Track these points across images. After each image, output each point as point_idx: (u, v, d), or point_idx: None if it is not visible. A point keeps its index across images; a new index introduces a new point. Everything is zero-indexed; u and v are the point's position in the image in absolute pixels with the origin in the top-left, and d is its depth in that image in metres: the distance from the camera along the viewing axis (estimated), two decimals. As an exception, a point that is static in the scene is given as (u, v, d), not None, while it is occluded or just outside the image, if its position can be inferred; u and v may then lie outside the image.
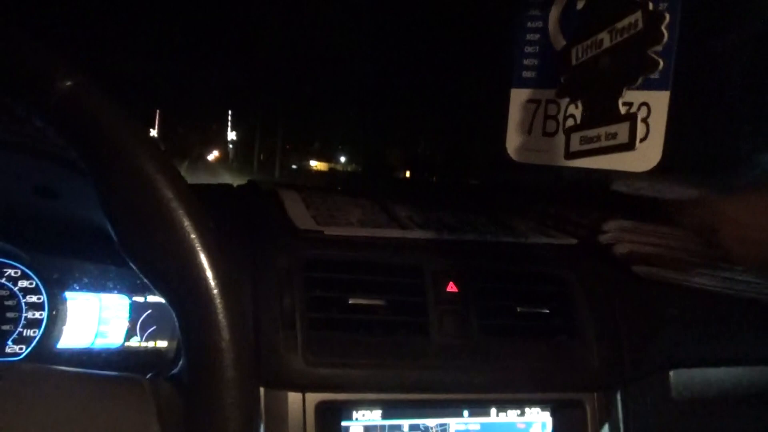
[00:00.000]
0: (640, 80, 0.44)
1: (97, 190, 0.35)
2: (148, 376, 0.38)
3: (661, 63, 0.42)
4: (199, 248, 0.34)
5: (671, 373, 0.71)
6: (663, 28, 0.41)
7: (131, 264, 0.36)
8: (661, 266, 0.76)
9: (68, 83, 0.33)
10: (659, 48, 0.42)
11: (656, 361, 0.71)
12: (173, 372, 0.38)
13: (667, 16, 0.42)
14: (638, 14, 0.44)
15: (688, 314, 0.75)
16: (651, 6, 0.43)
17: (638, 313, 0.72)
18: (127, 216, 0.35)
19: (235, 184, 0.93)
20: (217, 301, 0.34)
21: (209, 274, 0.34)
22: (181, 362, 0.37)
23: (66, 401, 0.33)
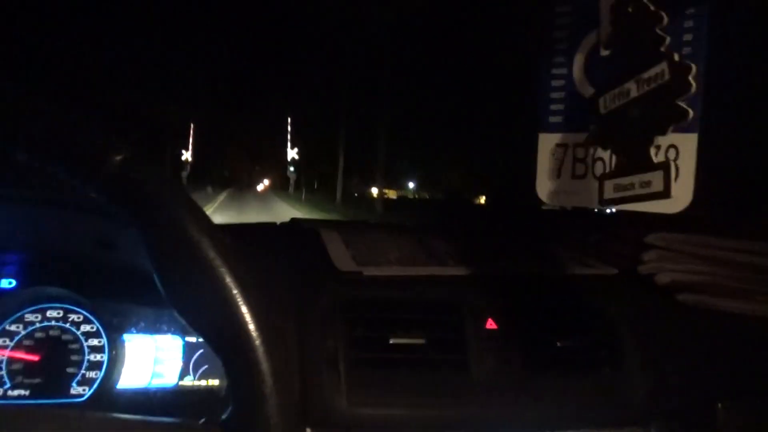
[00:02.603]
0: (670, 130, 0.44)
1: (147, 250, 0.38)
2: (201, 421, 0.41)
3: (691, 113, 0.43)
4: (241, 302, 0.37)
5: (719, 405, 0.70)
6: (690, 78, 0.42)
7: (180, 318, 0.39)
8: (707, 294, 0.75)
9: (118, 157, 0.37)
10: (687, 98, 0.43)
11: (704, 393, 0.69)
12: (224, 417, 0.41)
13: (694, 67, 0.42)
14: (664, 65, 0.44)
15: (736, 342, 0.73)
16: (676, 57, 0.44)
17: (683, 342, 0.71)
18: (174, 274, 0.38)
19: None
20: (260, 351, 0.37)
21: (251, 326, 0.37)
22: (229, 409, 0.39)
23: None
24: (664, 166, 0.48)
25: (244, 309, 0.37)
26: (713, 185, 0.53)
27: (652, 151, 0.50)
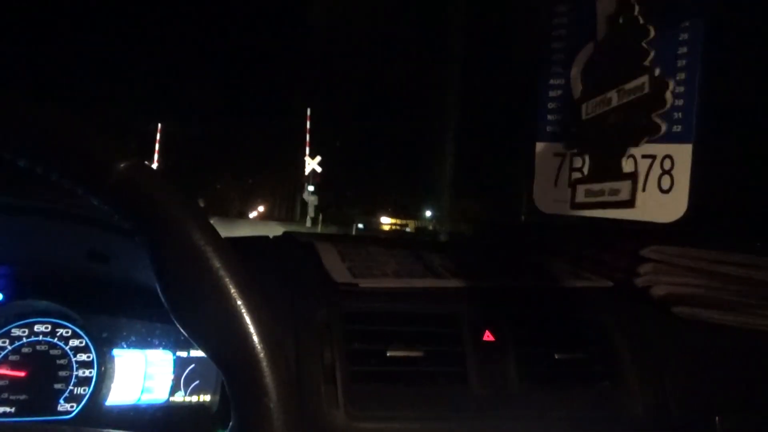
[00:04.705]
0: (643, 142, 0.45)
1: (151, 260, 0.38)
2: None
3: (663, 128, 0.43)
4: (246, 315, 0.36)
5: (718, 419, 0.69)
6: (666, 95, 0.43)
7: (182, 330, 0.38)
8: (702, 306, 0.75)
9: (123, 165, 0.36)
10: (662, 112, 0.44)
11: (703, 406, 0.69)
12: None
13: (671, 83, 0.43)
14: (645, 78, 0.45)
15: (734, 355, 0.73)
16: (657, 72, 0.45)
17: (682, 356, 0.71)
18: (178, 284, 0.37)
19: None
20: (264, 365, 0.36)
21: (256, 340, 0.36)
22: (231, 424, 0.38)
23: None
24: (633, 177, 0.49)
25: (248, 322, 0.36)
26: (707, 196, 0.53)
27: (645, 161, 0.50)
